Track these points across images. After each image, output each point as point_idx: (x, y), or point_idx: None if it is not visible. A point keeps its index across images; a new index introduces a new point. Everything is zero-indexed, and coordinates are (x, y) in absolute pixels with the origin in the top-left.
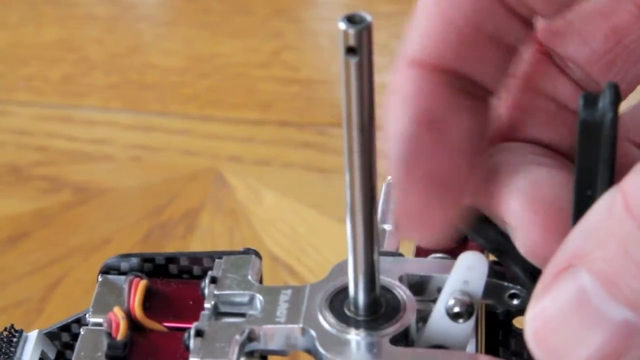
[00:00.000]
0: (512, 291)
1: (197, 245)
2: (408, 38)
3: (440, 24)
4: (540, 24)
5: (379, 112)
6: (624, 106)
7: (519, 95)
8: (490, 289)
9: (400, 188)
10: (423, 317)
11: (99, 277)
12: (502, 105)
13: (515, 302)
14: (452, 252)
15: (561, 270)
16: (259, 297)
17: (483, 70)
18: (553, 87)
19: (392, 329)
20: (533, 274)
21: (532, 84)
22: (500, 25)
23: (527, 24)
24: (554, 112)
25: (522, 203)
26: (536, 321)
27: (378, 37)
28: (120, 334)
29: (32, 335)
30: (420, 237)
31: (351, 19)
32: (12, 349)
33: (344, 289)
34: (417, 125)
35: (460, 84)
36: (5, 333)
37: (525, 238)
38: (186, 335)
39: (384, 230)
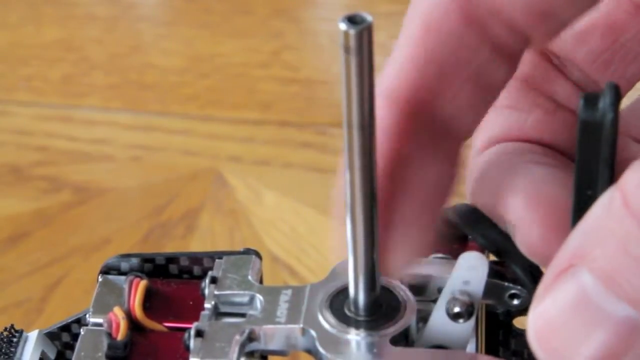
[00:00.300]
0: (513, 291)
1: (197, 245)
2: (386, 69)
3: (422, 59)
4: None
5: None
6: (623, 103)
7: (518, 95)
8: (490, 289)
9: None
10: (423, 317)
11: (99, 277)
12: (501, 106)
13: (515, 302)
14: (453, 252)
15: (562, 271)
16: (259, 297)
17: (459, 112)
18: (552, 87)
19: (392, 329)
20: (533, 274)
21: (531, 85)
22: (484, 65)
23: (513, 61)
24: (553, 112)
25: (522, 201)
26: (538, 322)
27: (378, 37)
28: (121, 334)
29: (32, 336)
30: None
31: (351, 20)
32: (12, 349)
33: (344, 289)
34: (380, 173)
35: (433, 125)
36: (5, 333)
37: (525, 236)
38: (186, 335)
39: None
